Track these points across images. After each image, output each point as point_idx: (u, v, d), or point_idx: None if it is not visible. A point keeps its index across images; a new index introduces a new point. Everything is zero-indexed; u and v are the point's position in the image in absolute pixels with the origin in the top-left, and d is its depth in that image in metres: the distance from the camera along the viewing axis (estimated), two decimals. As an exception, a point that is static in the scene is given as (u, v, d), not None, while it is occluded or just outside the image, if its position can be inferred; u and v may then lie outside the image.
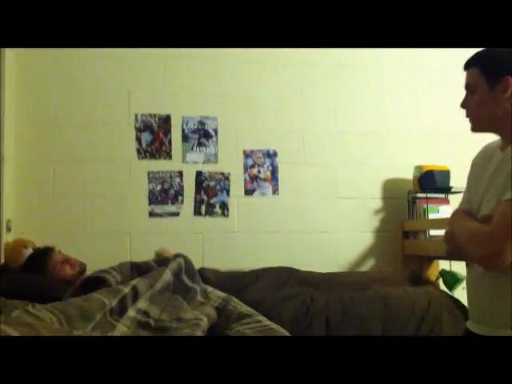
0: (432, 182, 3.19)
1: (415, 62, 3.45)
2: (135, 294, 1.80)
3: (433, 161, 3.26)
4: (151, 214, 3.12)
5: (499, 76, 1.53)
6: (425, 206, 3.17)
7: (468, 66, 1.62)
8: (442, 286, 3.02)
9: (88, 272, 2.57)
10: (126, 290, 1.77)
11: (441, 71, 3.42)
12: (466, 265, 1.66)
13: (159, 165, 3.16)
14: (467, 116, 1.62)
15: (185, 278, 2.10)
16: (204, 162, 3.22)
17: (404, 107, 3.43)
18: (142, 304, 1.81)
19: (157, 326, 1.74)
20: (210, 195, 3.21)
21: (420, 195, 3.23)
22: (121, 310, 1.71)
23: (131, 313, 1.73)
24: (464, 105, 1.62)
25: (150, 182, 3.14)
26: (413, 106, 3.44)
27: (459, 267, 2.82)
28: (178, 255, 2.13)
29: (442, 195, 3.24)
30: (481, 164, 1.65)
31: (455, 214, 1.68)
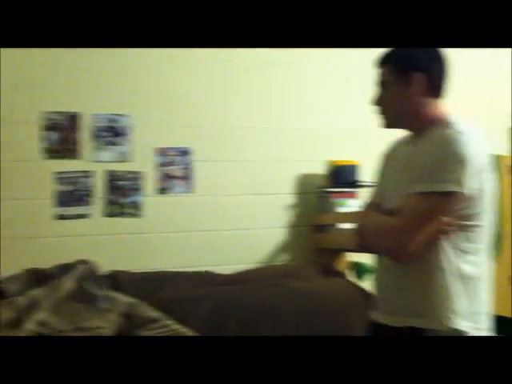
0: (342, 176, 3.28)
1: (326, 61, 3.51)
2: (34, 306, 1.74)
3: (342, 156, 3.35)
4: (60, 217, 3.01)
5: (410, 73, 1.56)
6: (334, 200, 3.26)
7: (381, 63, 1.65)
8: (354, 278, 3.13)
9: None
10: (24, 301, 1.70)
11: (350, 69, 3.51)
12: (376, 257, 1.69)
13: (68, 165, 3.05)
14: (380, 113, 1.65)
15: (89, 285, 2.05)
16: (115, 161, 3.14)
17: (315, 104, 3.49)
18: (41, 315, 1.75)
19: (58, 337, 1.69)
20: (122, 195, 3.14)
21: (331, 190, 3.32)
22: (16, 322, 1.65)
23: (28, 325, 1.68)
24: (377, 101, 1.64)
25: (58, 183, 3.03)
26: (324, 103, 3.51)
27: (369, 259, 2.92)
28: (81, 261, 2.08)
29: (351, 189, 3.34)
30: (390, 158, 1.69)
31: (365, 207, 1.72)
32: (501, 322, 2.92)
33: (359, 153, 3.40)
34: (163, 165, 3.23)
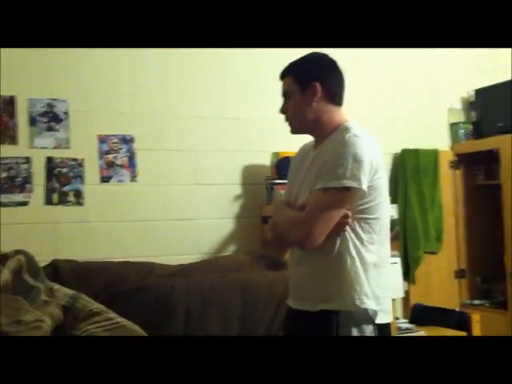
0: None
1: (271, 49, 3.49)
2: (-34, 298, 1.64)
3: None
4: (-4, 204, 2.87)
5: (309, 82, 1.73)
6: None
7: (283, 75, 1.82)
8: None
9: None
10: (-45, 293, 1.60)
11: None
12: (290, 250, 1.86)
13: (4, 150, 2.91)
14: (286, 120, 1.82)
15: (26, 277, 1.95)
16: (55, 148, 3.02)
17: (263, 94, 3.46)
18: (-26, 308, 1.66)
19: (-7, 332, 1.60)
20: (63, 183, 3.02)
21: (277, 181, 3.32)
22: None
23: (-39, 319, 1.58)
24: (282, 110, 1.81)
25: (-7, 169, 2.88)
26: (270, 92, 3.48)
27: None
28: (18, 252, 1.98)
29: (298, 181, 3.35)
30: (298, 161, 1.87)
31: (277, 204, 1.94)
32: (447, 314, 3.05)
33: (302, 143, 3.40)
34: (105, 152, 3.13)
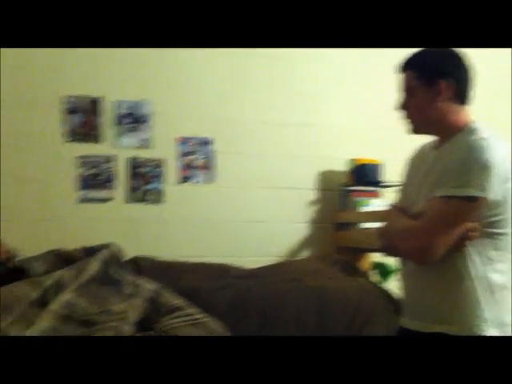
0: (363, 175, 3.24)
1: (354, 57, 3.47)
2: (59, 286, 1.71)
3: (365, 155, 3.32)
4: (82, 200, 3.00)
5: (436, 79, 1.56)
6: (356, 198, 3.22)
7: (405, 68, 1.63)
8: (375, 278, 3.09)
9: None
10: (49, 281, 1.68)
11: (379, 66, 3.46)
12: (401, 261, 1.68)
13: (90, 149, 3.03)
14: (406, 118, 1.64)
15: (114, 269, 2.02)
16: (137, 148, 3.12)
17: (341, 101, 3.45)
18: (67, 296, 1.73)
19: (83, 320, 1.67)
20: (144, 182, 3.12)
21: (352, 188, 3.28)
22: (42, 303, 1.63)
23: (53, 306, 1.65)
24: (402, 107, 1.64)
25: (80, 167, 3.01)
26: (349, 100, 3.47)
27: (391, 259, 2.88)
28: (106, 245, 2.05)
29: (373, 189, 3.30)
30: (416, 163, 1.69)
31: (390, 209, 1.70)
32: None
33: (381, 152, 3.36)
34: (184, 154, 3.20)
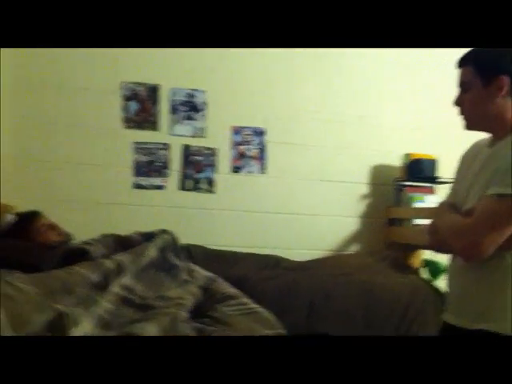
0: (419, 170, 3.18)
1: (410, 51, 3.39)
2: (119, 270, 1.75)
3: (421, 150, 3.25)
4: (136, 186, 3.05)
5: (493, 75, 1.53)
6: (411, 194, 3.16)
7: (462, 63, 1.61)
8: (425, 275, 3.03)
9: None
10: (110, 264, 1.72)
11: (435, 62, 3.38)
12: (450, 257, 1.67)
13: (145, 136, 3.08)
14: (461, 114, 1.63)
15: (170, 255, 2.05)
16: (192, 136, 3.15)
17: (397, 94, 3.39)
18: (126, 280, 1.76)
19: (141, 304, 1.70)
20: (197, 170, 3.15)
21: (406, 183, 3.22)
22: (104, 285, 1.66)
23: (114, 288, 1.69)
24: (458, 102, 1.62)
25: (135, 153, 3.06)
26: (406, 93, 3.40)
27: (442, 257, 2.82)
28: (164, 231, 2.08)
29: (429, 184, 3.23)
30: (469, 159, 1.67)
31: (440, 206, 1.69)
32: None
33: (438, 147, 3.28)
34: (237, 143, 3.21)
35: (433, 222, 1.66)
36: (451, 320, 1.60)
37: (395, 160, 3.30)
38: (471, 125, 1.62)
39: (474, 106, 1.58)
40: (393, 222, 3.24)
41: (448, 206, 1.64)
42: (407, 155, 3.22)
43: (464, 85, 1.60)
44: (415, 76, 3.42)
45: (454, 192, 1.70)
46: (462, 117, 1.62)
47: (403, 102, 3.40)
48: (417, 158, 3.19)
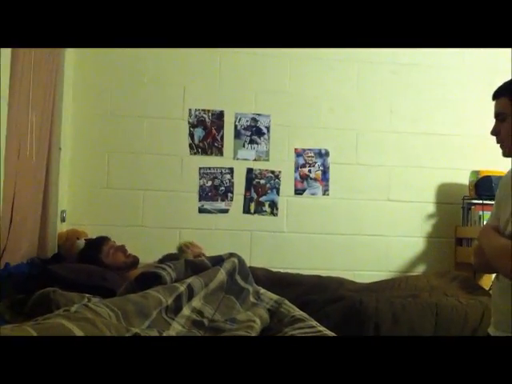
0: (489, 188, 3.08)
1: (478, 65, 3.34)
2: (190, 293, 1.79)
3: (490, 166, 3.16)
4: (201, 210, 3.13)
5: None
6: (480, 212, 3.07)
7: (497, 95, 1.73)
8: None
9: (139, 265, 2.61)
10: (182, 288, 1.76)
11: (501, 73, 3.30)
12: (495, 277, 1.74)
13: (211, 161, 3.17)
14: (498, 143, 1.73)
15: (238, 278, 2.08)
16: (255, 160, 3.21)
17: (463, 110, 3.33)
18: (196, 303, 1.80)
19: (211, 326, 1.73)
20: (260, 193, 3.19)
21: (476, 201, 3.14)
22: (176, 308, 1.71)
23: (186, 311, 1.73)
24: (494, 132, 1.71)
25: (200, 178, 3.15)
26: (473, 109, 3.33)
27: None
28: (232, 254, 2.12)
29: (499, 202, 3.13)
30: (509, 184, 1.73)
31: (484, 229, 1.76)
32: None
33: (508, 163, 3.17)
34: (300, 165, 3.24)
35: (478, 244, 1.73)
36: (496, 334, 1.65)
37: (463, 178, 3.22)
38: (508, 153, 1.71)
39: (510, 135, 1.66)
40: (461, 241, 3.16)
41: (491, 227, 1.70)
42: (475, 172, 3.14)
43: (500, 115, 1.70)
44: (483, 92, 3.34)
45: (495, 216, 1.75)
46: (499, 145, 1.73)
47: (471, 119, 3.33)
48: (486, 175, 3.11)
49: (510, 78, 1.75)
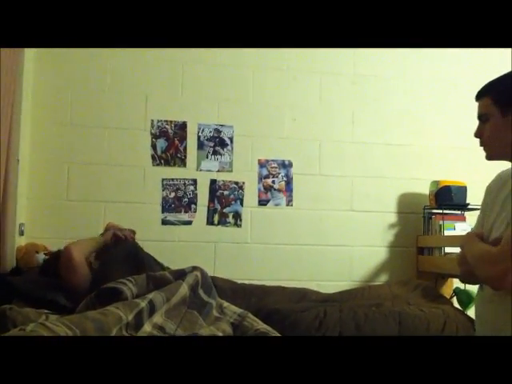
0: (448, 197, 3.15)
1: (436, 76, 3.41)
2: (152, 308, 1.77)
3: (450, 176, 3.23)
4: (164, 222, 3.09)
5: (510, 106, 1.56)
6: (441, 222, 3.13)
7: (479, 96, 1.66)
8: (456, 304, 2.97)
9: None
10: (143, 303, 1.74)
11: (461, 85, 3.38)
12: (479, 286, 1.69)
13: (174, 172, 3.13)
14: (481, 145, 1.66)
15: (201, 292, 2.06)
16: (219, 171, 3.19)
17: (423, 121, 3.39)
18: (157, 319, 1.78)
19: (172, 342, 1.71)
20: (224, 204, 3.17)
21: (436, 211, 3.19)
22: (137, 325, 1.68)
23: (147, 327, 1.70)
24: (478, 134, 1.66)
25: (163, 189, 3.11)
26: (432, 120, 3.40)
27: (474, 286, 2.78)
28: (194, 268, 2.10)
29: (459, 212, 3.20)
30: (495, 189, 1.69)
31: (467, 236, 1.71)
32: None
33: (467, 173, 3.26)
34: (264, 176, 3.24)
35: (461, 253, 1.68)
36: None
37: (424, 188, 3.28)
38: (492, 154, 1.65)
39: (493, 136, 1.61)
40: (423, 250, 3.20)
41: (475, 235, 1.66)
42: (435, 182, 3.20)
43: (483, 116, 1.64)
44: (442, 104, 3.42)
45: (480, 222, 1.72)
46: (483, 148, 1.66)
47: (430, 130, 3.39)
48: (445, 184, 3.17)
49: (489, 80, 1.67)
